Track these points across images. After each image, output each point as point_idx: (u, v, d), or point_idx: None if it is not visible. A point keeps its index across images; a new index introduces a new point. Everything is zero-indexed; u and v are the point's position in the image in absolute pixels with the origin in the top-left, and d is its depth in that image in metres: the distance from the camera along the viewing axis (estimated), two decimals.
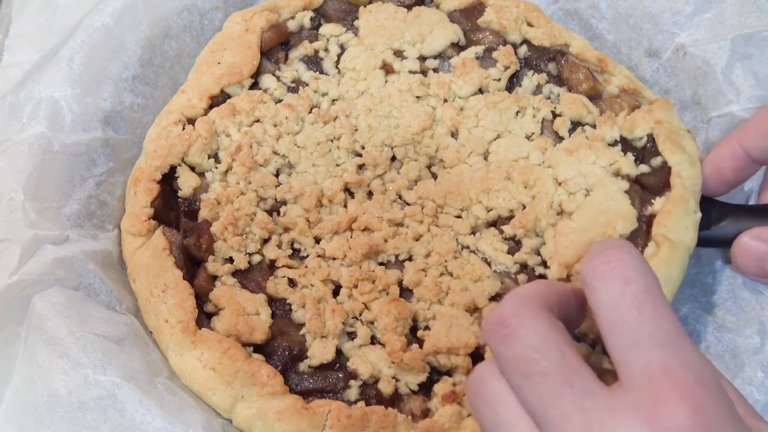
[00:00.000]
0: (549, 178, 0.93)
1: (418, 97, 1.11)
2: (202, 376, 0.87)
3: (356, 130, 1.08)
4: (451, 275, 0.98)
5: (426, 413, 0.88)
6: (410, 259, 0.99)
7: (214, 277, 0.96)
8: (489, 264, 0.93)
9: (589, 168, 0.92)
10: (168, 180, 1.03)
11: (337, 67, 1.15)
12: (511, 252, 0.93)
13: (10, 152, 0.96)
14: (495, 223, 0.95)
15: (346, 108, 1.10)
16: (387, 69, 1.14)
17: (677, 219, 0.86)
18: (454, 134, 1.08)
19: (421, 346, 0.91)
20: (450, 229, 0.97)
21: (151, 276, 0.94)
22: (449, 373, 0.92)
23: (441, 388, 0.89)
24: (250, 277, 0.97)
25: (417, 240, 1.00)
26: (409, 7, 1.19)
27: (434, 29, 1.15)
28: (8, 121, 1.00)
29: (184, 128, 1.05)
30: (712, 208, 0.94)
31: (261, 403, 0.86)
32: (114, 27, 1.09)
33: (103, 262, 0.96)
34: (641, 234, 0.87)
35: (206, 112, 1.08)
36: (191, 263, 0.97)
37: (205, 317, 0.93)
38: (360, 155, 1.07)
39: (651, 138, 0.93)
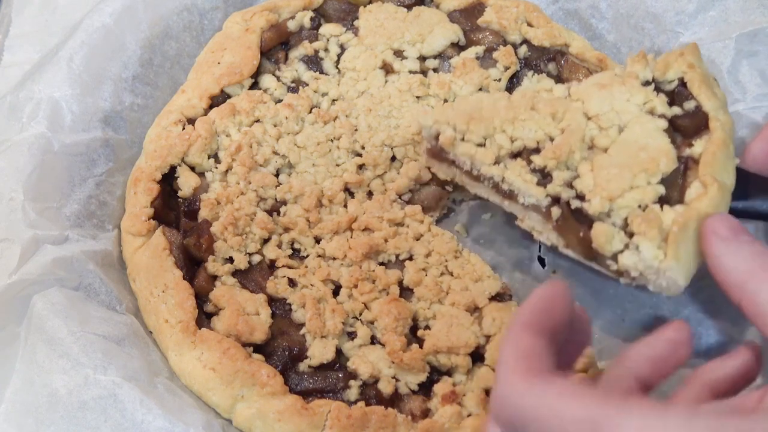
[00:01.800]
0: (578, 111, 0.88)
1: (418, 97, 1.11)
2: (202, 376, 0.87)
3: (356, 130, 1.08)
4: (452, 275, 0.98)
5: (426, 413, 0.88)
6: (410, 258, 0.99)
7: (214, 277, 0.96)
8: (516, 197, 0.87)
9: (623, 105, 0.88)
10: (168, 180, 1.03)
11: (337, 67, 1.15)
12: (540, 185, 0.87)
13: (10, 152, 0.96)
14: (519, 155, 0.88)
15: (346, 108, 1.10)
16: (387, 69, 1.14)
17: (722, 162, 0.84)
18: None
19: (421, 346, 0.91)
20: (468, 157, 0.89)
21: (151, 276, 0.94)
22: (449, 372, 0.91)
23: (441, 388, 0.89)
24: (250, 277, 0.97)
25: (417, 239, 1.00)
26: (409, 7, 1.19)
27: (434, 29, 1.15)
28: (8, 121, 1.00)
29: (184, 128, 1.05)
30: (748, 180, 0.91)
31: (261, 403, 0.86)
32: (114, 27, 1.09)
33: (103, 262, 0.96)
34: (679, 174, 0.85)
35: (206, 112, 1.08)
36: (191, 263, 0.97)
37: (205, 317, 0.93)
38: (360, 155, 1.07)
39: (681, 82, 0.91)
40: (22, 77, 1.07)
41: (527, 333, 0.66)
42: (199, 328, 0.90)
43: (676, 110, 0.88)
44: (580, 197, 0.82)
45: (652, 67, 0.91)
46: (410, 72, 1.13)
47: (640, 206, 0.79)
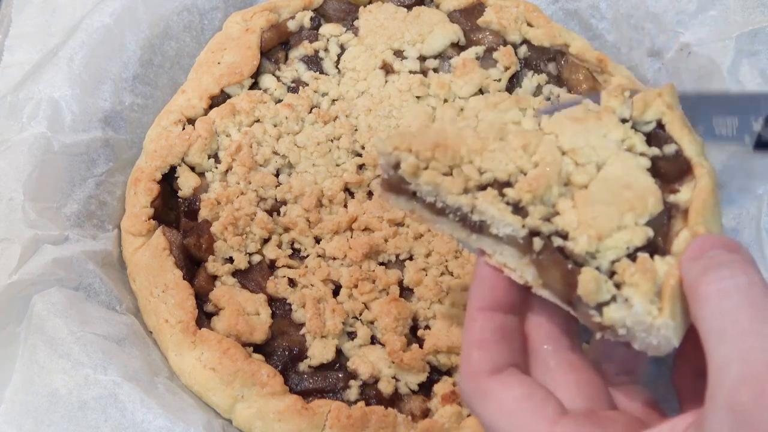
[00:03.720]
0: (552, 144, 0.81)
1: (418, 97, 1.11)
2: (202, 376, 0.87)
3: (356, 130, 1.08)
4: (452, 275, 0.98)
5: (426, 413, 0.88)
6: (411, 258, 0.99)
7: (214, 277, 0.96)
8: (488, 228, 0.78)
9: (599, 140, 0.81)
10: (168, 180, 1.03)
11: (337, 67, 1.15)
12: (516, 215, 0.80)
13: (10, 152, 0.96)
14: (489, 188, 0.80)
15: (346, 108, 1.10)
16: (387, 69, 1.14)
17: (712, 210, 0.78)
18: None
19: (421, 346, 0.91)
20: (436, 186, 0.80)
21: (151, 276, 0.94)
22: (449, 372, 0.92)
23: (441, 388, 0.89)
24: (250, 277, 0.97)
25: (417, 239, 1.00)
26: (409, 7, 1.19)
27: (434, 29, 1.15)
28: (8, 121, 1.00)
29: (184, 128, 1.05)
30: None
31: (261, 403, 0.86)
32: (114, 27, 1.09)
33: (103, 262, 0.96)
34: (665, 220, 0.78)
35: (206, 112, 1.08)
36: (191, 263, 0.97)
37: (205, 317, 0.93)
38: (360, 155, 1.07)
39: (659, 123, 0.84)
40: (22, 77, 1.06)
41: (479, 315, 0.69)
42: (199, 328, 0.90)
43: (655, 151, 0.82)
44: (562, 235, 0.73)
45: (629, 105, 0.85)
46: (410, 72, 1.13)
47: (628, 249, 0.71)
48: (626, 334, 0.69)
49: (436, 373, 0.92)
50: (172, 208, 1.03)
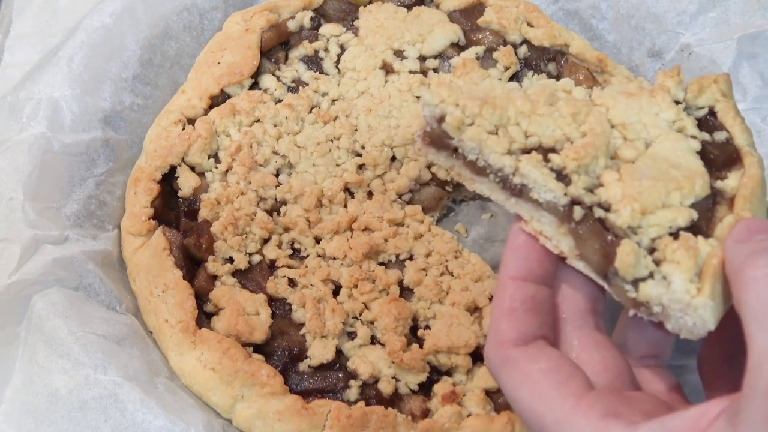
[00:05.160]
0: (602, 116, 0.78)
1: (418, 97, 1.11)
2: (202, 376, 0.87)
3: (356, 130, 1.08)
4: (452, 275, 0.98)
5: (426, 413, 0.88)
6: (411, 258, 0.99)
7: (214, 277, 0.96)
8: (528, 192, 0.75)
9: (651, 118, 0.79)
10: (168, 180, 1.03)
11: (337, 67, 1.15)
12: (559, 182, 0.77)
13: (10, 152, 0.96)
14: (534, 152, 0.77)
15: (346, 108, 1.10)
16: (387, 69, 1.14)
17: (759, 199, 0.76)
18: None
19: (421, 346, 0.91)
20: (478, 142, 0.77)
21: (151, 276, 0.94)
22: (449, 372, 0.92)
23: (441, 388, 0.89)
24: (250, 277, 0.97)
25: (417, 239, 1.00)
26: (409, 7, 1.19)
27: (434, 29, 1.15)
28: (8, 121, 1.00)
29: (184, 128, 1.05)
30: None
31: (261, 403, 0.86)
32: (114, 27, 1.09)
33: (103, 262, 0.96)
34: (709, 204, 0.76)
35: (206, 112, 1.08)
36: (191, 263, 0.97)
37: (205, 317, 0.93)
38: (360, 155, 1.07)
39: (711, 110, 0.83)
40: (22, 77, 1.07)
41: (510, 283, 0.69)
42: (199, 328, 0.90)
43: (705, 136, 0.80)
44: (605, 207, 0.72)
45: (683, 87, 0.83)
46: (410, 72, 1.13)
47: (671, 228, 0.70)
48: (661, 312, 0.68)
49: (436, 373, 0.92)
50: (172, 208, 1.03)
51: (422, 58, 1.15)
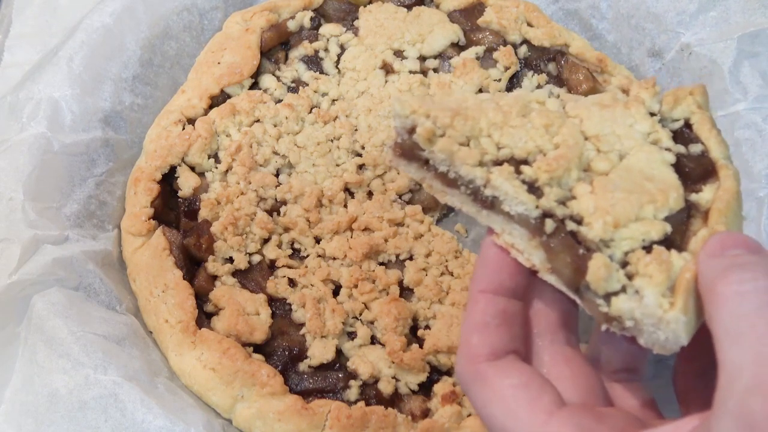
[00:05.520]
0: (576, 128, 0.78)
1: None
2: (202, 376, 0.87)
3: (356, 130, 1.08)
4: (452, 275, 0.98)
5: (426, 413, 0.88)
6: (411, 258, 0.99)
7: (214, 277, 0.96)
8: (499, 204, 0.74)
9: (625, 129, 0.78)
10: (168, 180, 1.03)
11: (337, 67, 1.15)
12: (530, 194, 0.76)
13: (10, 152, 0.96)
14: (503, 164, 0.76)
15: (346, 108, 1.10)
16: (387, 69, 1.14)
17: (734, 212, 0.75)
18: None
19: (421, 346, 0.91)
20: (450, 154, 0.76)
21: (151, 276, 0.94)
22: (449, 372, 0.92)
23: (441, 388, 0.89)
24: (250, 277, 0.97)
25: (417, 239, 1.00)
26: (409, 7, 1.19)
27: (434, 29, 1.15)
28: (8, 121, 1.00)
29: (184, 128, 1.05)
30: None
31: (261, 403, 0.86)
32: (114, 27, 1.09)
33: (103, 262, 0.96)
34: (684, 218, 0.75)
35: (206, 112, 1.08)
36: (191, 263, 0.97)
37: (205, 317, 0.93)
38: (360, 155, 1.07)
39: (686, 123, 0.82)
40: (22, 77, 1.07)
41: (482, 297, 0.68)
42: (199, 328, 0.90)
43: (681, 149, 0.79)
44: (577, 220, 0.71)
45: (659, 99, 0.82)
46: (410, 72, 1.13)
47: (644, 241, 0.69)
48: (633, 326, 0.67)
49: (436, 373, 0.92)
50: (172, 208, 1.03)
51: (422, 58, 1.15)
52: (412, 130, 0.77)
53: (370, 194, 1.05)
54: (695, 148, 0.79)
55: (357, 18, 1.19)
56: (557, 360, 0.68)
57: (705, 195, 0.75)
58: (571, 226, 0.71)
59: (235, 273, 0.97)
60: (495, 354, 0.65)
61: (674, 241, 0.70)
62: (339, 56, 1.16)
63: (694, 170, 0.77)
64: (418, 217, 1.02)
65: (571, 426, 0.59)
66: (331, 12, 1.20)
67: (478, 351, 0.65)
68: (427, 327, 0.94)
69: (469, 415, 0.88)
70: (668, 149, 0.77)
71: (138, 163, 1.05)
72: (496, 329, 0.67)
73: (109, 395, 0.80)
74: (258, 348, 0.91)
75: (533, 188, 0.73)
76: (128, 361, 0.85)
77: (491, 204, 0.75)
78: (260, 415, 0.85)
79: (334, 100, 1.12)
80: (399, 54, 1.15)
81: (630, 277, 0.67)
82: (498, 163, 0.75)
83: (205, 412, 0.85)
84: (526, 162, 0.74)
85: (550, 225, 0.71)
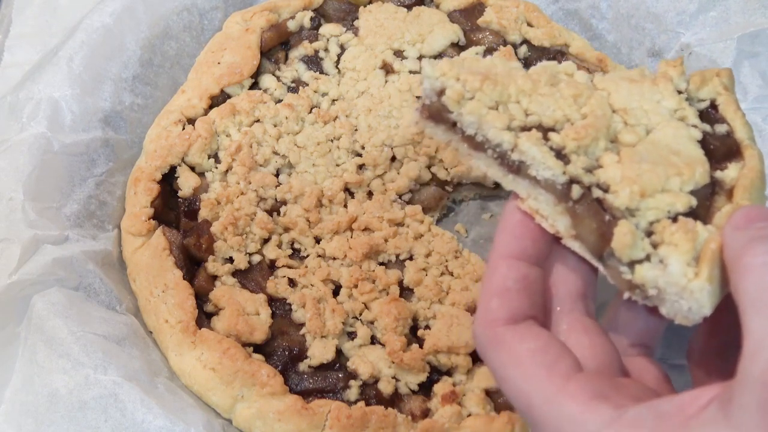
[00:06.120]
0: (604, 100, 0.78)
1: (418, 97, 1.11)
2: (202, 376, 0.87)
3: (356, 130, 1.08)
4: (452, 275, 0.98)
5: (426, 413, 0.88)
6: (411, 258, 0.99)
7: (214, 277, 0.96)
8: (526, 169, 0.74)
9: (652, 105, 0.78)
10: (168, 180, 1.03)
11: (337, 67, 1.15)
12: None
13: (10, 152, 0.96)
14: (531, 130, 0.76)
15: (346, 108, 1.10)
16: (387, 69, 1.14)
17: (759, 190, 0.76)
18: None
19: (421, 346, 0.91)
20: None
21: (151, 276, 0.94)
22: (449, 372, 0.91)
23: (441, 388, 0.89)
24: (250, 277, 0.97)
25: (417, 239, 1.00)
26: (409, 7, 1.19)
27: (434, 29, 1.15)
28: (8, 121, 1.00)
29: (184, 128, 1.05)
30: None
31: (261, 403, 0.86)
32: (114, 27, 1.09)
33: (103, 262, 0.96)
34: (708, 194, 0.75)
35: (206, 112, 1.08)
36: (191, 263, 0.97)
37: (205, 317, 0.93)
38: (360, 155, 1.07)
39: (712, 104, 0.83)
40: (22, 77, 1.07)
41: (503, 263, 0.68)
42: (199, 328, 0.90)
43: (706, 128, 0.79)
44: (603, 188, 0.71)
45: (686, 78, 0.83)
46: (410, 72, 1.13)
47: (669, 212, 0.69)
48: (656, 295, 0.67)
49: (436, 373, 0.92)
50: (172, 208, 1.03)
51: (422, 58, 1.15)
52: (441, 93, 0.77)
53: (370, 194, 1.05)
54: (720, 128, 0.79)
55: (357, 18, 1.19)
56: (575, 328, 0.68)
57: (730, 173, 0.75)
58: (597, 193, 0.71)
59: (235, 273, 0.97)
60: (514, 319, 0.65)
61: (698, 215, 0.70)
62: (339, 56, 1.16)
63: (719, 149, 0.78)
64: (418, 217, 1.02)
65: (588, 391, 0.59)
66: (331, 12, 1.20)
67: (497, 315, 0.65)
68: (427, 327, 0.94)
69: (469, 415, 0.88)
70: (695, 126, 0.77)
71: (138, 163, 1.05)
72: (516, 294, 0.66)
73: (109, 395, 0.80)
74: (258, 348, 0.91)
75: (560, 155, 0.73)
76: (128, 361, 0.85)
77: (518, 168, 0.75)
78: (260, 415, 0.85)
79: (334, 100, 1.12)
80: (399, 54, 1.15)
81: (655, 246, 0.67)
82: (526, 129, 0.75)
83: (205, 412, 0.85)
84: (553, 130, 0.75)
85: (576, 191, 0.71)
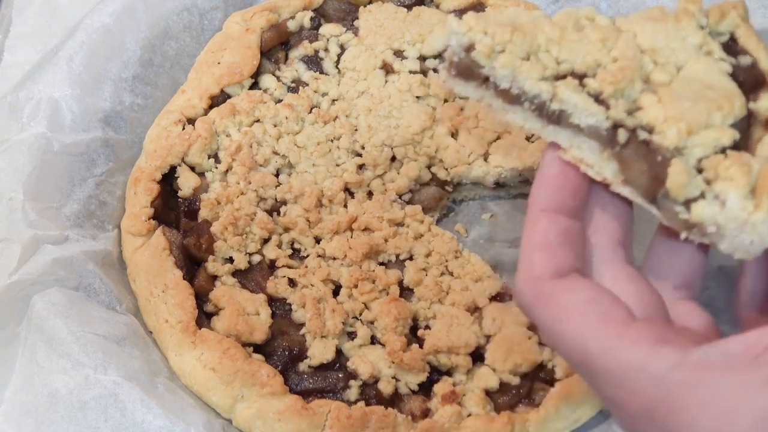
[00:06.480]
0: (631, 41, 0.76)
1: (418, 97, 1.11)
2: (202, 376, 0.87)
3: (356, 130, 1.08)
4: (452, 275, 0.98)
5: (426, 413, 0.88)
6: (411, 258, 0.99)
7: (214, 277, 0.96)
8: (567, 118, 0.73)
9: (678, 42, 0.77)
10: (168, 180, 1.03)
11: (337, 67, 1.15)
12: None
13: (10, 152, 0.96)
14: (565, 78, 0.75)
15: (346, 108, 1.10)
16: (387, 69, 1.14)
17: None
18: (454, 135, 1.09)
19: (421, 346, 0.91)
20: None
21: (151, 276, 0.94)
22: (449, 372, 0.92)
23: (441, 388, 0.89)
24: (250, 277, 0.97)
25: (417, 239, 1.00)
26: (409, 7, 1.19)
27: (434, 29, 1.15)
28: (8, 121, 1.00)
29: (184, 128, 1.05)
30: None
31: (261, 403, 0.86)
32: (114, 27, 1.09)
33: (103, 262, 0.96)
34: (746, 126, 0.74)
35: (206, 112, 1.08)
36: (191, 263, 0.97)
37: (205, 317, 0.93)
38: (360, 155, 1.07)
39: (731, 37, 0.82)
40: (22, 77, 1.07)
41: (543, 216, 0.66)
42: (199, 328, 0.90)
43: (732, 60, 0.78)
44: (648, 129, 0.69)
45: (704, 13, 0.81)
46: (410, 72, 1.13)
47: (715, 147, 0.68)
48: (715, 232, 0.66)
49: (436, 373, 0.92)
50: (172, 208, 1.03)
51: (422, 58, 1.15)
52: (469, 48, 0.76)
53: (370, 194, 1.05)
54: (745, 60, 0.78)
55: (357, 18, 1.19)
56: (620, 278, 0.67)
57: (763, 103, 0.74)
58: (643, 135, 0.70)
59: (235, 273, 0.97)
60: (559, 273, 0.64)
61: (741, 147, 0.69)
62: (339, 56, 1.16)
63: (747, 80, 0.76)
64: (418, 217, 1.02)
65: (649, 337, 0.57)
66: (331, 12, 1.20)
67: (542, 270, 0.64)
68: (427, 327, 0.94)
69: (469, 415, 0.88)
70: (722, 60, 0.76)
71: (138, 163, 1.05)
72: (559, 248, 0.65)
73: (109, 395, 0.80)
74: (258, 348, 0.91)
75: (599, 100, 0.72)
76: (128, 361, 0.85)
77: (558, 118, 0.74)
78: (260, 415, 0.85)
79: (334, 100, 1.12)
80: (399, 54, 1.15)
81: (708, 182, 0.66)
82: (559, 77, 0.74)
83: (205, 412, 0.85)
84: (586, 76, 0.74)
85: (623, 135, 0.70)
